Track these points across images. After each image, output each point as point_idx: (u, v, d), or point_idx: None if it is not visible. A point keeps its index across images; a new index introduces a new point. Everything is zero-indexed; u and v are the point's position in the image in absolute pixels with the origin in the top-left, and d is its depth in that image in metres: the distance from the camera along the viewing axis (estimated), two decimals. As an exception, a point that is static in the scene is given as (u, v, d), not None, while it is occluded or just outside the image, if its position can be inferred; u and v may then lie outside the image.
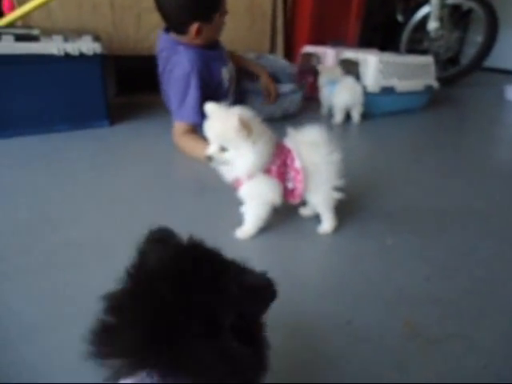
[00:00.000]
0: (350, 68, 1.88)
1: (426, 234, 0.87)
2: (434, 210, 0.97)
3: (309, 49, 2.15)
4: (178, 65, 1.24)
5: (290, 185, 0.81)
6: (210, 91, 1.28)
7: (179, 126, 1.28)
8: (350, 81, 1.70)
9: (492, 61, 3.70)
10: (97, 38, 1.46)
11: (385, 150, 1.46)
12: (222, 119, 0.73)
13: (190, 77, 1.22)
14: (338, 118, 1.74)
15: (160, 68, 1.36)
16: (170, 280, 0.30)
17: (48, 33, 1.38)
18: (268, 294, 0.33)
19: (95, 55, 1.41)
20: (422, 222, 0.92)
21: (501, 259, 0.79)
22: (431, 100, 2.08)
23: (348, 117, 1.75)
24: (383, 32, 3.16)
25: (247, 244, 0.82)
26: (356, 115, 1.75)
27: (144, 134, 1.48)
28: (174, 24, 1.25)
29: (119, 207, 0.93)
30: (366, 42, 2.70)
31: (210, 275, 0.31)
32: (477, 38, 2.67)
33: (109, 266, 0.70)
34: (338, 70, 1.78)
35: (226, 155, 0.75)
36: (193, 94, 1.23)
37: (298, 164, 0.78)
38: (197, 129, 1.25)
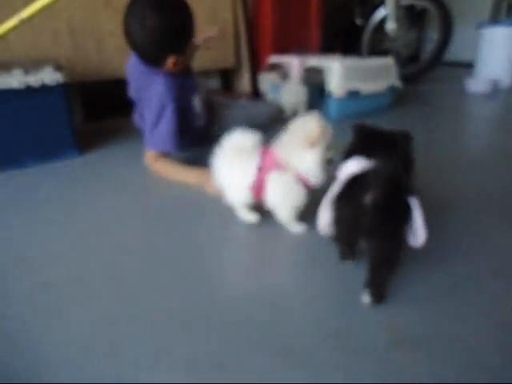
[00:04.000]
0: (315, 75, 1.93)
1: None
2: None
3: (274, 59, 2.19)
4: (154, 93, 1.23)
5: None
6: (184, 118, 1.28)
7: (152, 153, 1.30)
8: (292, 84, 1.87)
9: (451, 55, 3.86)
10: (58, 67, 1.44)
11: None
12: (312, 123, 0.82)
13: (165, 105, 1.22)
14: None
15: (134, 93, 1.35)
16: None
17: (7, 66, 1.36)
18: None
19: (58, 85, 1.39)
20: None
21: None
22: (396, 99, 2.14)
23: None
24: (345, 36, 3.24)
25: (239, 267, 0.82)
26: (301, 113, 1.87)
27: (115, 160, 1.46)
28: (150, 60, 1.21)
29: (95, 242, 0.91)
30: (329, 48, 2.76)
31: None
32: (433, 35, 2.78)
33: (89, 307, 0.70)
34: (275, 76, 1.94)
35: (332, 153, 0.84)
36: (167, 121, 1.23)
37: None
38: (169, 154, 1.30)
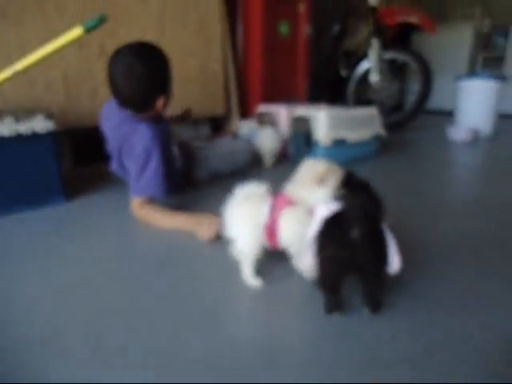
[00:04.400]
0: (303, 124, 1.99)
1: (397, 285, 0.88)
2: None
3: (263, 108, 2.26)
4: (138, 141, 1.25)
5: None
6: (166, 163, 1.31)
7: (139, 200, 1.29)
8: (268, 130, 1.97)
9: (434, 103, 4.05)
10: (50, 115, 1.47)
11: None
12: (320, 163, 0.89)
13: (151, 151, 1.24)
14: (268, 162, 1.96)
15: (114, 142, 1.37)
16: None
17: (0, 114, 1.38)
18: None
19: (48, 133, 1.41)
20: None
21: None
22: (381, 147, 2.21)
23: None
24: (331, 86, 3.39)
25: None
26: (273, 158, 2.00)
27: (102, 206, 1.45)
28: (140, 106, 1.26)
29: (79, 294, 0.88)
30: (316, 97, 2.87)
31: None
32: (415, 86, 2.92)
33: (69, 367, 0.66)
34: (254, 123, 2.07)
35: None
36: (153, 167, 1.25)
37: None
38: (155, 201, 1.29)
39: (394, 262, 0.71)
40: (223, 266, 0.96)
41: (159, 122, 1.35)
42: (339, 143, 1.93)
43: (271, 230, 0.87)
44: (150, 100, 1.25)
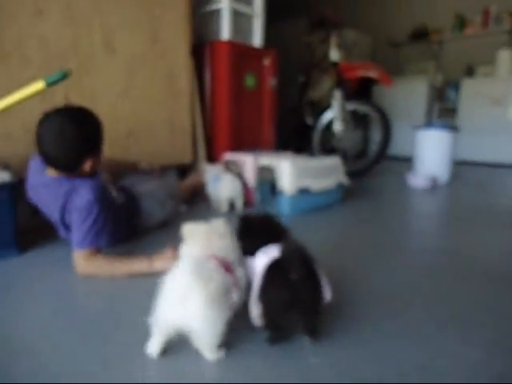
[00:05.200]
0: (268, 173, 2.03)
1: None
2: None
3: (229, 157, 2.30)
4: (78, 196, 1.24)
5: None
6: (110, 212, 1.31)
7: (84, 253, 1.23)
8: (229, 177, 2.03)
9: (395, 149, 4.26)
10: (6, 167, 1.43)
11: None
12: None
13: (93, 205, 1.22)
14: (224, 207, 2.00)
15: (51, 203, 1.34)
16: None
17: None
18: None
19: (3, 185, 1.36)
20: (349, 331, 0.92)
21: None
22: (346, 193, 2.27)
23: (232, 207, 2.04)
24: (298, 135, 3.52)
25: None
26: (239, 204, 2.03)
27: (53, 260, 1.38)
28: (67, 166, 1.27)
29: (15, 362, 0.82)
30: (283, 146, 2.96)
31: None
32: (376, 135, 3.08)
33: None
34: (220, 168, 2.13)
35: None
36: (96, 220, 1.23)
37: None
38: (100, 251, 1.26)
39: (326, 292, 0.83)
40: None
41: (96, 175, 1.38)
42: (303, 192, 1.97)
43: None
44: (77, 160, 1.26)
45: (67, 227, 1.35)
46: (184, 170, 2.56)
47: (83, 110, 1.28)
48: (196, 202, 2.15)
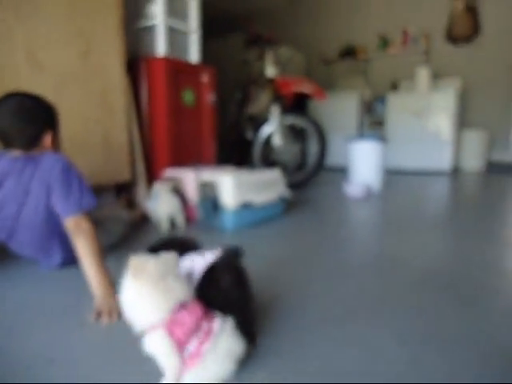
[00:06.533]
0: (210, 188, 2.02)
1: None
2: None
3: (170, 173, 2.26)
4: (51, 167, 1.23)
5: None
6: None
7: (76, 218, 1.18)
8: (167, 194, 2.00)
9: (332, 160, 4.47)
10: None
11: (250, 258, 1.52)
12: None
13: (69, 166, 1.25)
14: (164, 226, 1.97)
15: (15, 192, 1.24)
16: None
17: None
18: None
19: None
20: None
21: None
22: (288, 206, 2.33)
23: (173, 225, 2.02)
24: (239, 149, 3.56)
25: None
26: (179, 221, 2.01)
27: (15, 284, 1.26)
28: (28, 140, 1.27)
29: None
30: (224, 160, 2.98)
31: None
32: (313, 148, 3.22)
33: None
34: (159, 186, 2.05)
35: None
36: (78, 180, 1.24)
37: None
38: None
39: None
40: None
41: None
42: (246, 206, 1.99)
43: None
44: (39, 131, 1.28)
45: (53, 231, 1.29)
46: (121, 189, 2.47)
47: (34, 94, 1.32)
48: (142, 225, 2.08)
